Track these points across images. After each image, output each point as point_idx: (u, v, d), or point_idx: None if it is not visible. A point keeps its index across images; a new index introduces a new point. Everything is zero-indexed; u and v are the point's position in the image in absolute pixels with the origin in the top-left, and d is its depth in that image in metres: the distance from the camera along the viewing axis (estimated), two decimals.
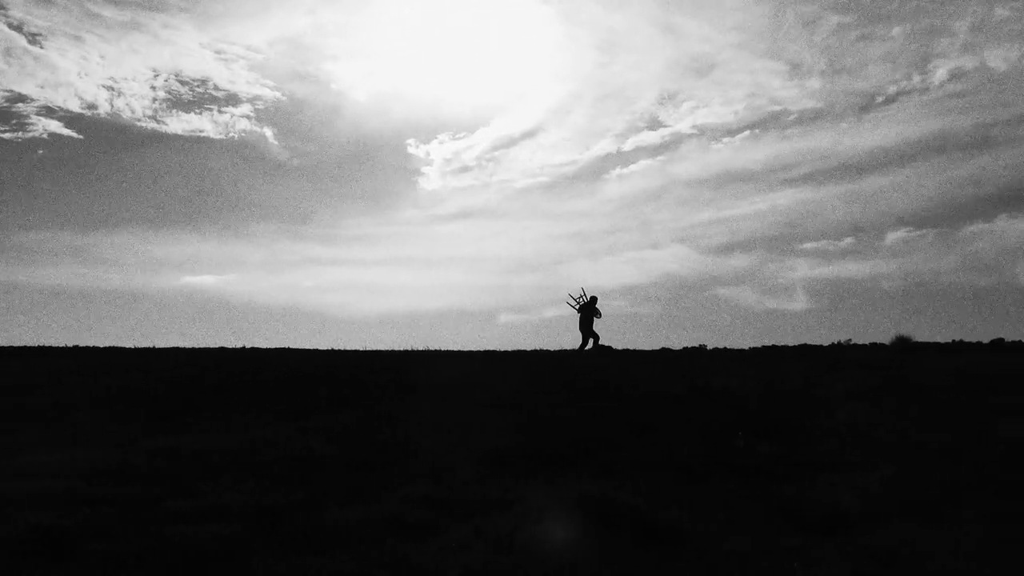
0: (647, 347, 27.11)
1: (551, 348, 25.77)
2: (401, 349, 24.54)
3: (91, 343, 27.32)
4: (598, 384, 14.15)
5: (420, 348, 24.30)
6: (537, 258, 57.05)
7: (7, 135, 46.80)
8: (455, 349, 24.98)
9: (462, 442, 9.51)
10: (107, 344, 26.81)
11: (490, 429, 10.16)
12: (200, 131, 50.77)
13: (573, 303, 24.13)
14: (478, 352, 23.20)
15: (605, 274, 51.30)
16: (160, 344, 27.18)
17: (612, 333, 47.77)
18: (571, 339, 47.29)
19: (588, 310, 23.99)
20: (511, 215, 57.62)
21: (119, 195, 55.01)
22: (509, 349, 25.02)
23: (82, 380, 14.18)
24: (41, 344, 25.84)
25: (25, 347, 24.27)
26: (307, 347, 26.15)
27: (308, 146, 55.57)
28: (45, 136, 47.12)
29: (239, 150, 53.45)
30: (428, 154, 58.29)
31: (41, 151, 47.46)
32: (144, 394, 12.70)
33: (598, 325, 24.32)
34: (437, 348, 24.47)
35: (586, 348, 23.17)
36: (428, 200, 56.55)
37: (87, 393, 12.63)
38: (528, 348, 25.63)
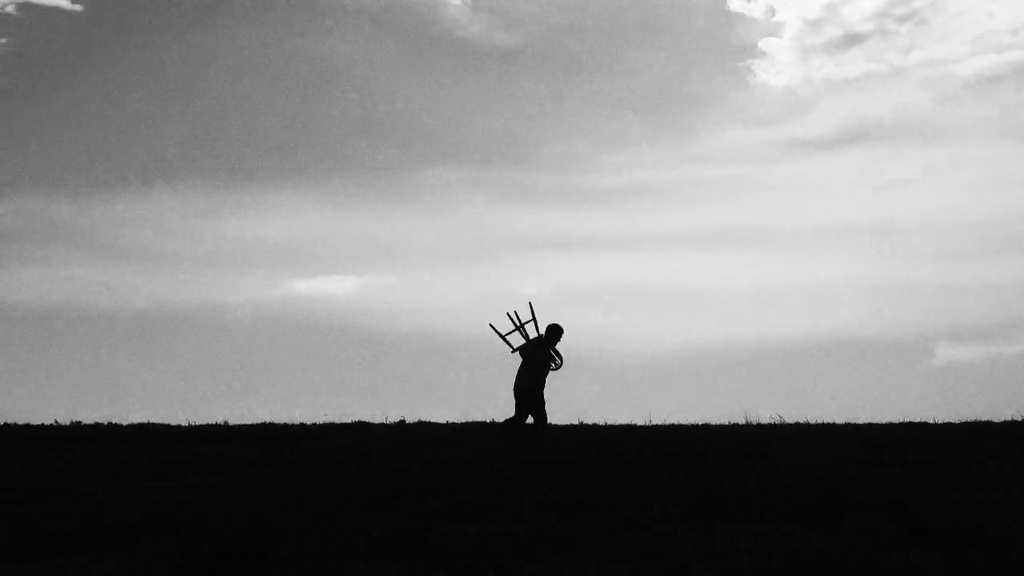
0: None
1: None
2: (753, 422, 13.81)
3: (87, 418, 15.53)
4: None
5: (770, 420, 13.69)
6: (1018, 224, 28.10)
7: None
8: (837, 421, 14.07)
9: None
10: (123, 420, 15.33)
11: None
12: None
13: (513, 328, 12.44)
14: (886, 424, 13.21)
15: None
16: (233, 416, 15.66)
17: None
18: None
19: (539, 350, 12.16)
20: (955, 133, 28.65)
21: (135, 113, 31.17)
22: (958, 421, 13.05)
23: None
24: None
25: None
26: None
27: (526, 5, 30.39)
28: (8, 9, 27.77)
29: (381, 20, 30.06)
30: (772, 12, 30.31)
31: (4, 39, 30.52)
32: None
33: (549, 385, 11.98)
34: (812, 419, 13.99)
35: (542, 427, 12.03)
36: (773, 108, 29.53)
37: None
38: (1015, 417, 12.97)
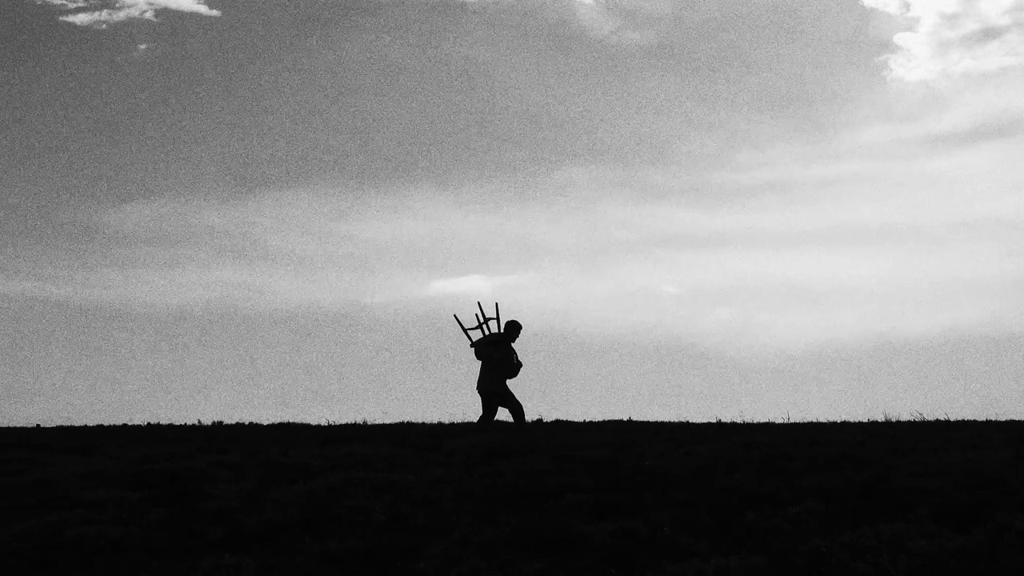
0: None
1: None
2: (893, 419, 13.37)
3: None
4: None
5: (910, 418, 13.30)
6: None
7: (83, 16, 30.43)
8: (979, 418, 13.21)
9: None
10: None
11: None
12: None
13: (477, 324, 12.93)
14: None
15: None
16: (375, 415, 15.77)
17: None
18: None
19: (496, 347, 12.60)
20: None
21: (274, 116, 33.14)
22: None
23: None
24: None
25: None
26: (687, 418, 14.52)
27: (658, 4, 29.15)
28: (147, 15, 31.30)
29: (516, 20, 29.86)
30: (907, 7, 30.81)
31: (143, 45, 32.75)
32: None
33: (515, 382, 12.67)
34: (952, 416, 13.44)
35: (521, 419, 12.73)
36: (910, 103, 29.04)
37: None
38: None
